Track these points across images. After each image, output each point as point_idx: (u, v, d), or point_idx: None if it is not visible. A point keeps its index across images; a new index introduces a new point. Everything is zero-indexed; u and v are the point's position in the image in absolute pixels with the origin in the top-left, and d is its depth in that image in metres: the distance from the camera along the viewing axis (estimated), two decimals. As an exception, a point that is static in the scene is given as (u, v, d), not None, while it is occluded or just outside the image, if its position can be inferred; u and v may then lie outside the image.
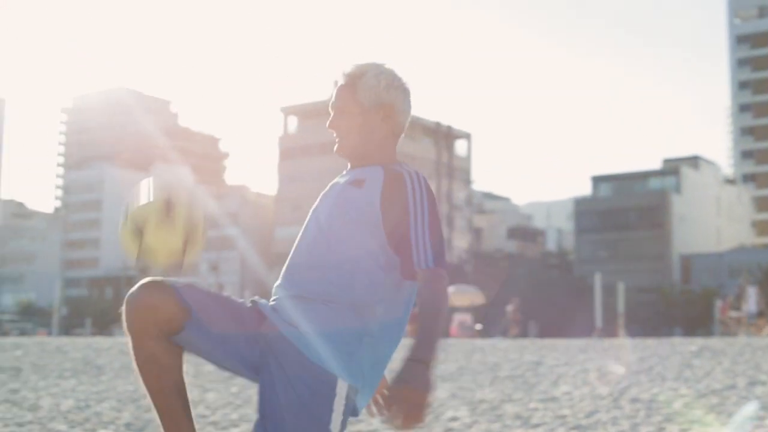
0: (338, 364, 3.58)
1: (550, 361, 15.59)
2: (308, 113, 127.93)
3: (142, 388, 3.71)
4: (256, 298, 3.84)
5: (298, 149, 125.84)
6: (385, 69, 3.89)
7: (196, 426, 3.71)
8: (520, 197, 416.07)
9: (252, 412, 8.89)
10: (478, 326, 48.04)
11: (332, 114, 3.88)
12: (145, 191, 3.70)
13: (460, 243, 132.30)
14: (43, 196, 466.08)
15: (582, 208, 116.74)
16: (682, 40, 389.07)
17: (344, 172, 3.94)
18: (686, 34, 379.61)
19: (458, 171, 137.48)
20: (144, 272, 3.66)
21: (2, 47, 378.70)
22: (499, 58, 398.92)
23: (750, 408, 7.98)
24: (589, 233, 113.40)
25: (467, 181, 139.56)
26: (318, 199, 3.88)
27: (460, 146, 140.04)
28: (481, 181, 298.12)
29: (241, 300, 3.82)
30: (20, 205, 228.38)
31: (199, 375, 14.54)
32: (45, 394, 12.19)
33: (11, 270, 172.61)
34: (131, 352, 3.75)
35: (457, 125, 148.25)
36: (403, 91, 3.91)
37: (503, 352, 18.66)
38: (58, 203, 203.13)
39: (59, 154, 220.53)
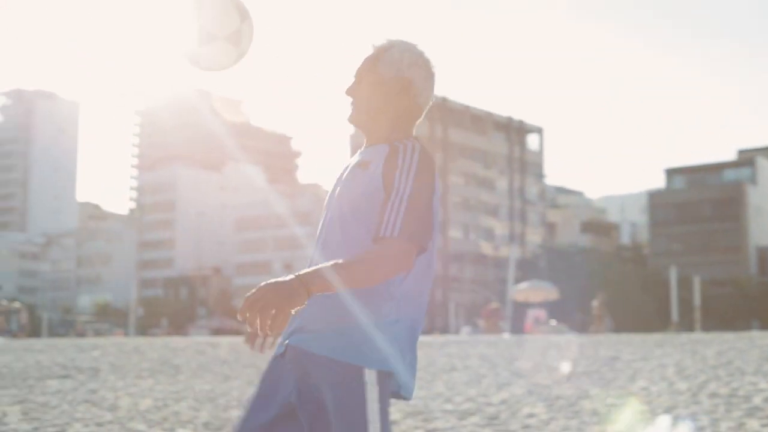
0: (356, 353, 3.52)
1: (626, 356, 15.47)
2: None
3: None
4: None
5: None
6: (413, 47, 3.81)
7: None
8: (594, 191, 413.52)
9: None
10: (553, 321, 47.79)
11: (353, 81, 3.84)
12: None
13: (533, 238, 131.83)
14: (118, 198, 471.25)
15: (656, 201, 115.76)
16: (757, 27, 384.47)
17: (359, 151, 3.87)
18: (762, 20, 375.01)
19: (530, 165, 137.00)
20: None
21: (75, 51, 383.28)
22: (570, 51, 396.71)
23: (664, 422, 7.86)
24: (664, 226, 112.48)
25: (540, 176, 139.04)
26: (335, 183, 3.83)
27: (532, 141, 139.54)
28: (554, 176, 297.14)
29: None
30: (96, 207, 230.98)
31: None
32: (123, 394, 12.31)
33: (88, 271, 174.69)
34: None
35: (529, 120, 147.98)
36: (426, 72, 3.82)
37: (579, 347, 18.55)
38: (133, 204, 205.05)
39: (133, 156, 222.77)
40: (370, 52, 3.82)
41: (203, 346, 22.85)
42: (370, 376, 3.50)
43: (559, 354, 16.71)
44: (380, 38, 3.85)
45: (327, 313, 3.58)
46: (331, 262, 3.39)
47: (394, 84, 3.75)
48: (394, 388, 3.59)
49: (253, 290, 3.27)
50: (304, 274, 3.35)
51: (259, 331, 3.27)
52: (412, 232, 3.46)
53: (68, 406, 10.91)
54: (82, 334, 72.14)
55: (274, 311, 3.25)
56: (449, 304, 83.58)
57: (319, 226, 3.82)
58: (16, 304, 34.43)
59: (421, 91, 3.79)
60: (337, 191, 3.74)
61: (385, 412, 3.51)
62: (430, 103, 3.87)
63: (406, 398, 3.64)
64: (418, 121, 3.86)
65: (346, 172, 3.77)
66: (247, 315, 3.26)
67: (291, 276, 3.32)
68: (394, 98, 3.75)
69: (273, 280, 3.30)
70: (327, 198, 3.84)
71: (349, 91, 3.81)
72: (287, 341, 3.66)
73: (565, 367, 10.16)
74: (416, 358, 3.69)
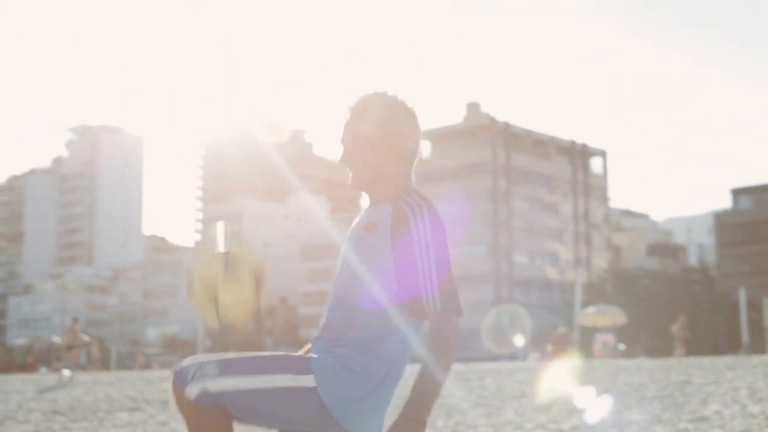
0: (340, 412, 3.55)
1: (697, 380, 15.30)
2: (441, 137, 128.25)
3: None
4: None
5: (433, 174, 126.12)
6: (387, 97, 3.80)
7: None
8: (659, 213, 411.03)
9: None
10: (621, 346, 47.41)
11: (342, 149, 3.85)
12: (198, 255, 3.80)
13: (598, 262, 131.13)
14: (184, 231, 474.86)
15: (723, 221, 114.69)
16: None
17: (363, 210, 3.88)
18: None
19: (594, 189, 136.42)
20: (226, 329, 3.75)
21: (139, 86, 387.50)
22: (632, 72, 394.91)
23: None
24: (731, 247, 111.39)
25: (604, 199, 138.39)
26: (345, 244, 3.83)
27: (595, 164, 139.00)
28: (618, 198, 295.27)
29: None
30: (162, 240, 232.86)
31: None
32: (193, 426, 12.32)
33: (155, 304, 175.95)
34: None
35: (592, 143, 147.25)
36: (409, 116, 3.82)
37: (648, 371, 18.38)
38: (199, 237, 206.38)
39: (198, 188, 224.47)
40: (347, 116, 3.83)
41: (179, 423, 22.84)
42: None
43: (629, 378, 16.56)
44: (352, 98, 3.84)
45: (331, 363, 3.61)
46: (420, 380, 3.52)
47: (382, 142, 3.76)
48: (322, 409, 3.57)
49: None
50: (419, 414, 3.50)
51: None
52: (451, 301, 3.59)
53: (139, 439, 10.96)
54: (145, 366, 72.47)
55: None
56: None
57: (332, 283, 3.83)
58: (86, 338, 34.60)
59: (408, 137, 3.80)
60: (347, 255, 3.75)
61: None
62: (420, 141, 3.87)
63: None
64: (415, 162, 3.87)
65: (354, 237, 3.77)
66: None
67: (408, 420, 3.48)
68: (385, 155, 3.76)
69: (418, 423, 3.48)
70: (339, 258, 3.84)
71: (343, 161, 3.83)
72: None
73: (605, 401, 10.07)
74: (379, 395, 3.66)
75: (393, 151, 3.76)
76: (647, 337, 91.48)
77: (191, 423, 3.61)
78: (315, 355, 3.62)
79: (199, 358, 3.63)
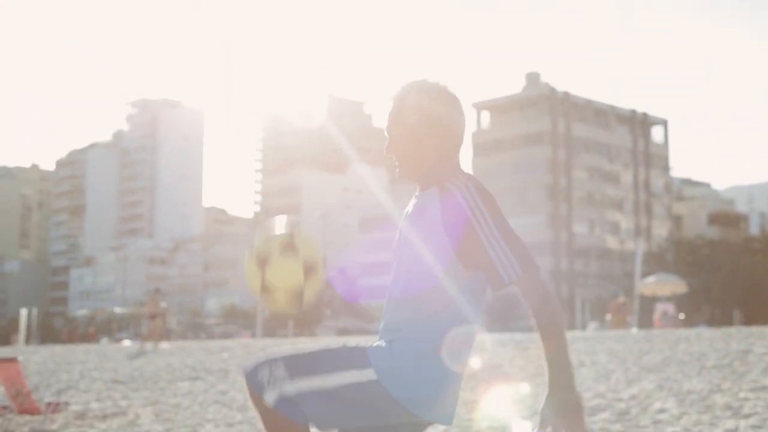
0: (409, 401, 3.57)
1: (758, 349, 15.19)
2: (501, 108, 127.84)
3: None
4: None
5: (492, 144, 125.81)
6: (426, 84, 3.78)
7: None
8: (720, 182, 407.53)
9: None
10: (682, 315, 47.15)
11: (387, 140, 3.84)
12: (270, 229, 3.80)
13: (659, 231, 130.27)
14: (243, 202, 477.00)
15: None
16: None
17: (413, 197, 3.89)
18: None
19: (655, 158, 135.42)
20: (267, 307, 3.79)
21: (199, 59, 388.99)
22: (693, 41, 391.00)
23: None
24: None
25: (665, 168, 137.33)
26: (400, 229, 3.84)
27: (656, 133, 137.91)
28: (679, 168, 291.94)
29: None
30: (222, 211, 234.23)
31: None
32: (253, 395, 12.40)
33: (215, 275, 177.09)
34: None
35: (653, 111, 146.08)
36: (448, 100, 3.79)
37: (709, 341, 18.27)
38: (258, 208, 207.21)
39: (257, 160, 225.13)
40: (389, 106, 3.82)
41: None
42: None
43: (689, 348, 16.48)
44: (394, 88, 3.84)
45: (398, 355, 3.62)
46: (546, 354, 3.51)
47: (423, 129, 3.74)
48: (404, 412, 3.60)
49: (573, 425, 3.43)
50: (559, 384, 3.47)
51: None
52: (527, 259, 3.53)
53: (199, 408, 11.05)
54: (211, 336, 72.98)
55: None
56: (575, 300, 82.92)
57: (391, 275, 3.84)
58: (164, 305, 34.80)
59: (451, 122, 3.77)
60: (401, 240, 3.77)
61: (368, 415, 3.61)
62: (465, 124, 3.85)
63: (443, 423, 3.67)
64: (461, 146, 3.86)
65: (406, 224, 3.78)
66: None
67: (554, 395, 3.46)
68: (428, 141, 3.74)
69: (570, 410, 3.44)
70: (394, 246, 3.85)
71: (388, 151, 3.82)
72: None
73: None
74: (448, 381, 3.67)
75: (436, 139, 3.75)
76: (708, 306, 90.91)
77: (270, 428, 3.64)
78: (373, 345, 3.64)
79: (264, 357, 3.64)
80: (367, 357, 3.58)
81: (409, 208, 3.83)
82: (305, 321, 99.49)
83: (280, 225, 3.81)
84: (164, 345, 30.45)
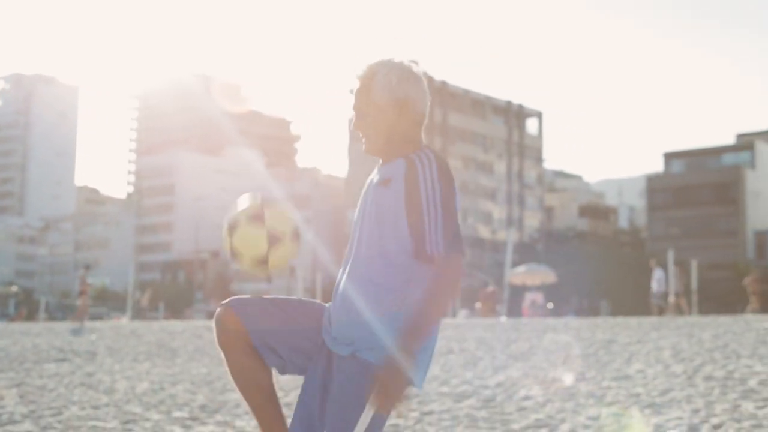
0: (374, 353, 3.75)
1: (623, 339, 15.50)
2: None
3: (239, 395, 3.97)
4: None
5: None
6: (394, 64, 3.95)
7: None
8: (592, 175, 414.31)
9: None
10: (550, 305, 47.84)
11: (354, 117, 3.99)
12: (244, 201, 4.10)
13: (531, 222, 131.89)
14: (116, 182, 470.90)
15: (654, 185, 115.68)
16: (756, 13, 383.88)
17: (377, 168, 4.04)
18: (761, 7, 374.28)
19: (529, 150, 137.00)
20: (238, 268, 4.11)
21: (75, 35, 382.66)
22: (569, 35, 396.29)
23: None
24: (662, 210, 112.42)
25: (538, 160, 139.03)
26: (361, 198, 4.03)
27: (531, 125, 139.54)
28: (553, 160, 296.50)
29: (311, 301, 4.14)
30: (94, 191, 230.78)
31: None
32: (120, 377, 12.33)
33: (86, 255, 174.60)
34: (225, 365, 4.03)
35: (529, 104, 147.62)
36: (415, 80, 3.96)
37: (575, 330, 18.58)
38: (131, 189, 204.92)
39: (131, 140, 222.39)
40: (356, 84, 3.97)
41: (200, 330, 22.89)
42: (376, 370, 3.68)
43: (556, 337, 16.73)
44: (358, 67, 3.98)
45: (362, 309, 3.81)
46: (414, 314, 3.64)
47: (392, 107, 3.90)
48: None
49: (386, 389, 3.57)
50: (405, 345, 3.60)
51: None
52: (454, 243, 3.69)
53: (65, 390, 10.92)
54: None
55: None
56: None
57: (348, 246, 4.01)
58: (14, 288, 34.28)
59: (417, 100, 3.94)
60: (365, 211, 3.93)
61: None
62: (429, 102, 4.01)
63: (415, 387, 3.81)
64: (425, 123, 4.02)
65: (370, 192, 3.94)
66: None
67: (397, 365, 3.58)
68: (397, 119, 3.90)
69: (389, 370, 3.58)
70: (355, 217, 4.03)
71: (357, 127, 3.98)
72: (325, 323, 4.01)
73: (568, 378, 10.13)
74: (426, 350, 3.86)
75: (403, 116, 3.91)
76: (576, 297, 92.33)
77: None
78: (372, 351, 3.78)
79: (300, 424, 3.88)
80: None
81: (374, 178, 3.97)
82: (176, 304, 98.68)
83: (254, 198, 4.08)
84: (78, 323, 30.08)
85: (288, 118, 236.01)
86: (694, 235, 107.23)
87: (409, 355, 3.57)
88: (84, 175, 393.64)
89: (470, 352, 13.57)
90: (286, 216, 4.06)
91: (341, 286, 3.92)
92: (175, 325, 28.09)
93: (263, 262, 3.99)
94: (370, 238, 3.84)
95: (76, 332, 24.22)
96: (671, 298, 34.38)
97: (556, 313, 50.02)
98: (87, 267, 33.06)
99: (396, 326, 3.70)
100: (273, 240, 3.97)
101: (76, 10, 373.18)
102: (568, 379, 9.94)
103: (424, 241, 3.68)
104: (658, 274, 35.34)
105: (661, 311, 34.34)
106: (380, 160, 4.00)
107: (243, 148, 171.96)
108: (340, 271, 3.99)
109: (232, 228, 4.03)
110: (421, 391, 3.81)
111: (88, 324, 30.54)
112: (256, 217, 3.99)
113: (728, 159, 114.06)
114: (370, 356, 3.73)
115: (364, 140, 3.97)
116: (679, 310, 33.84)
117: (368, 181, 4.01)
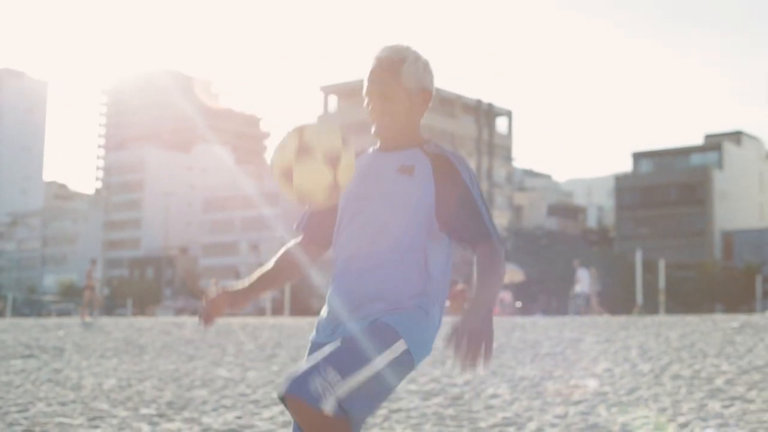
0: (395, 318, 3.71)
1: (590, 338, 15.56)
2: (348, 92, 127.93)
3: (206, 391, 3.82)
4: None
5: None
6: (417, 53, 3.99)
7: (237, 404, 3.85)
8: (561, 174, 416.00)
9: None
10: (518, 304, 47.96)
11: (375, 99, 3.92)
12: (282, 145, 3.76)
13: (500, 220, 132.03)
14: (84, 178, 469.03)
15: (623, 184, 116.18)
16: (724, 14, 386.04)
17: (371, 150, 4.02)
18: (729, 9, 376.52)
19: (499, 148, 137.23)
20: (305, 203, 3.80)
21: (44, 29, 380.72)
22: (540, 35, 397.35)
23: None
24: (630, 210, 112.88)
25: (508, 159, 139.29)
26: (358, 181, 3.90)
27: (501, 123, 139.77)
28: (522, 159, 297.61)
29: None
30: (62, 186, 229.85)
31: (239, 354, 14.61)
32: (87, 373, 12.28)
33: (54, 251, 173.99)
34: None
35: (498, 103, 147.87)
36: (432, 73, 4.03)
37: (543, 329, 18.63)
38: (99, 184, 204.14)
39: (100, 136, 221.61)
40: (383, 64, 3.91)
41: (168, 326, 22.83)
42: (399, 347, 3.67)
43: (524, 335, 16.77)
44: (386, 48, 3.95)
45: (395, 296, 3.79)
46: (482, 287, 3.66)
47: (420, 96, 3.94)
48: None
49: (467, 335, 3.49)
50: (484, 302, 3.60)
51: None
52: (497, 232, 3.82)
53: (31, 386, 10.88)
54: (48, 314, 71.68)
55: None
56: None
57: (349, 226, 3.92)
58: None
59: (431, 93, 4.00)
60: (377, 194, 3.86)
61: (394, 373, 3.66)
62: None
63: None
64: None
65: (385, 177, 3.88)
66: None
67: (475, 307, 3.58)
68: (420, 108, 3.95)
69: (474, 322, 3.52)
70: (351, 196, 3.91)
71: (376, 108, 3.92)
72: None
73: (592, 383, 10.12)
74: (431, 330, 3.89)
75: (423, 105, 3.96)
76: (545, 296, 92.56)
77: None
78: (390, 316, 3.74)
79: (306, 368, 3.57)
80: (394, 329, 3.68)
81: (389, 164, 3.90)
82: (144, 300, 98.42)
83: (290, 136, 3.76)
84: (88, 319, 29.86)
85: (258, 114, 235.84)
86: (662, 235, 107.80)
87: (488, 311, 3.57)
88: (52, 171, 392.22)
89: (438, 351, 13.57)
90: (328, 132, 3.77)
91: (355, 264, 3.84)
92: (143, 321, 28.01)
93: (334, 188, 3.70)
94: (388, 220, 3.80)
95: (87, 327, 24.17)
96: (593, 300, 34.63)
97: (525, 311, 50.16)
98: (94, 261, 32.85)
99: (421, 304, 3.77)
100: (332, 162, 3.68)
101: (47, 4, 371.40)
102: (592, 384, 9.92)
103: (486, 229, 3.77)
104: (581, 274, 35.48)
105: (585, 313, 34.45)
106: (377, 145, 3.99)
107: (213, 144, 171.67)
108: (336, 252, 3.94)
109: (286, 171, 3.70)
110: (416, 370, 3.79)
111: (103, 319, 30.33)
112: (302, 150, 3.68)
113: (696, 159, 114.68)
114: (391, 320, 3.69)
115: (377, 122, 3.93)
116: (597, 312, 34.07)
117: (365, 162, 3.96)
